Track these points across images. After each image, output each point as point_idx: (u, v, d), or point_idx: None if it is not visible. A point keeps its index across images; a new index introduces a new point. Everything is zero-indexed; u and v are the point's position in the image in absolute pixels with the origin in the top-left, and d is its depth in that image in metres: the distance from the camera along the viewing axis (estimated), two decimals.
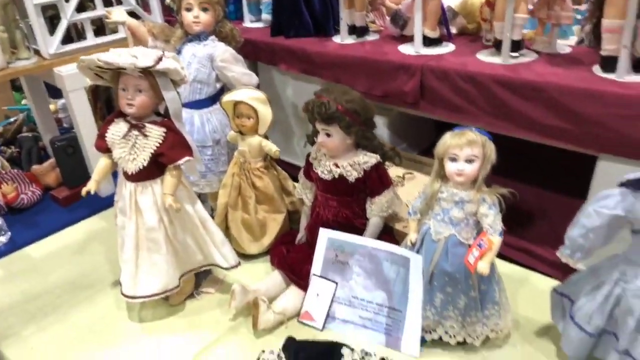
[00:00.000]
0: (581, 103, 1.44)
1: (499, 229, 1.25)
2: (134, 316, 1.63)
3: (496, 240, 1.24)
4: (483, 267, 1.22)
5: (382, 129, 2.28)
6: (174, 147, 1.45)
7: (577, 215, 1.19)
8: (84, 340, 1.54)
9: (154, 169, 1.47)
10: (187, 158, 1.47)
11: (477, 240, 1.26)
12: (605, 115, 1.41)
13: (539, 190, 1.85)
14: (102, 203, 2.18)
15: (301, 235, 1.78)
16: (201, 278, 1.75)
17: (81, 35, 2.28)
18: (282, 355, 1.34)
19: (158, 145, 1.44)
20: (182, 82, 1.49)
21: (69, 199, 2.33)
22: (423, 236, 1.37)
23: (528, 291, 1.59)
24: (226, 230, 1.83)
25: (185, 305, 1.66)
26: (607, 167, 1.51)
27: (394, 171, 2.00)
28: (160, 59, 1.39)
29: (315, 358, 1.32)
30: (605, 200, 1.14)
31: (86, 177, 1.84)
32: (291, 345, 1.35)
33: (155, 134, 1.44)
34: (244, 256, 1.82)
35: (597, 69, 1.57)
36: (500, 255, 1.80)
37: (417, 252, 1.39)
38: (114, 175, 1.65)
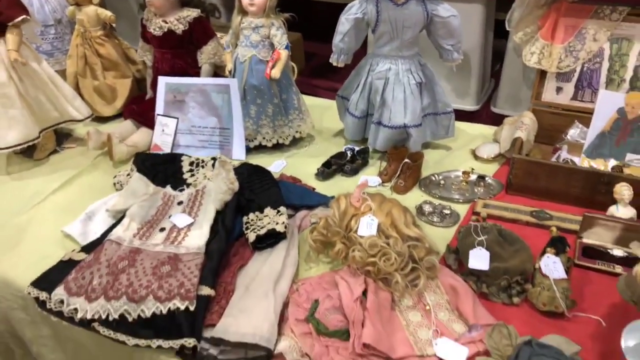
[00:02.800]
0: None
1: (285, 43, 1.66)
2: (0, 169, 1.84)
3: (283, 52, 1.65)
4: (274, 73, 1.63)
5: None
6: (10, 7, 1.65)
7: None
8: None
9: None
10: (24, 16, 1.67)
11: (272, 55, 1.67)
12: None
13: None
14: None
15: (149, 94, 2.08)
16: (63, 138, 2.00)
17: None
18: (133, 168, 1.67)
19: None
20: None
21: None
22: (234, 62, 1.74)
23: (330, 113, 2.05)
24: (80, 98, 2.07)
25: (50, 159, 1.91)
26: None
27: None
28: None
29: (159, 164, 1.67)
30: (350, 9, 1.59)
31: None
32: (139, 158, 1.68)
33: None
34: (100, 119, 2.10)
35: None
36: (314, 94, 2.29)
37: (233, 77, 1.77)
38: None
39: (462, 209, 1.51)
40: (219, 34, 2.01)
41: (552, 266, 1.20)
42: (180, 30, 1.87)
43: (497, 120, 1.96)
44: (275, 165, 1.77)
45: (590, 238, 1.33)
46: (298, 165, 1.77)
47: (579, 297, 1.20)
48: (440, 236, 1.40)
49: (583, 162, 1.57)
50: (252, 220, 1.40)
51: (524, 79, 1.85)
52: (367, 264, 1.20)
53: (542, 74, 1.69)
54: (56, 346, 1.42)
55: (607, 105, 1.56)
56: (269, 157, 1.83)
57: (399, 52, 1.60)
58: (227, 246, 1.35)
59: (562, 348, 1.02)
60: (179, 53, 1.93)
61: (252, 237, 1.35)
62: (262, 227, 1.36)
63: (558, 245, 1.24)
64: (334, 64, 1.70)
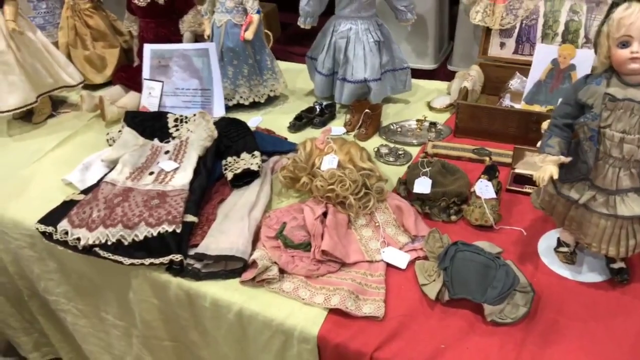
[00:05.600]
0: None
1: (256, 8, 1.84)
2: (2, 132, 2.02)
3: (255, 16, 1.84)
4: (247, 34, 1.82)
5: None
6: None
7: None
8: None
9: None
10: None
11: (245, 20, 1.85)
12: None
13: None
14: None
15: (136, 62, 2.25)
16: (59, 104, 2.18)
17: None
18: (124, 124, 1.86)
19: None
20: None
21: None
22: (212, 27, 1.93)
23: (303, 75, 2.22)
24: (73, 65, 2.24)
25: (47, 122, 2.10)
26: None
27: None
28: None
29: (147, 120, 1.85)
30: None
31: None
32: (129, 115, 1.87)
33: None
34: (91, 87, 2.27)
35: None
36: (290, 60, 2.48)
37: (211, 41, 1.95)
38: None
39: (415, 151, 1.72)
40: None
41: (484, 189, 1.41)
42: (163, 1, 2.05)
43: (453, 77, 2.15)
44: (252, 121, 1.96)
45: (522, 168, 1.54)
46: (273, 121, 1.96)
47: (508, 215, 1.42)
48: (394, 172, 1.61)
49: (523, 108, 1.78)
50: (229, 162, 1.60)
51: (474, 38, 2.04)
52: (327, 191, 1.40)
53: (488, 31, 1.89)
54: (61, 279, 1.62)
55: (542, 57, 1.76)
56: (247, 114, 2.02)
57: (358, 13, 1.79)
58: (209, 184, 1.56)
59: (486, 249, 1.24)
60: (162, 22, 2.11)
61: (229, 175, 1.55)
62: (238, 168, 1.56)
63: (490, 172, 1.45)
64: (302, 26, 1.89)
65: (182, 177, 1.56)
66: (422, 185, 1.43)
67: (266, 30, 2.17)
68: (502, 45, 1.89)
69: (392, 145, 1.73)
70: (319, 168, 1.47)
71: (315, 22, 1.89)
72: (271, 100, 2.07)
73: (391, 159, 1.67)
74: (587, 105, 1.03)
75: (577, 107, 1.06)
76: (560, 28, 1.80)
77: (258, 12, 1.84)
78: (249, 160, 1.58)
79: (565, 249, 1.25)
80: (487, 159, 1.48)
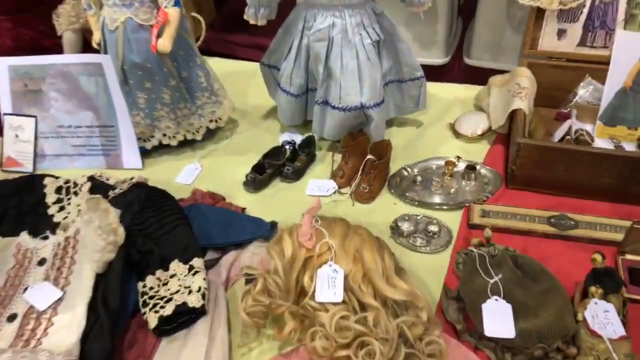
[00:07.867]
0: None
1: None
2: None
3: (172, 11, 1.10)
4: (162, 44, 1.09)
5: None
6: None
7: None
8: None
9: None
10: None
11: (156, 19, 1.11)
12: None
13: None
14: None
15: None
16: None
17: None
18: None
19: None
20: None
21: None
22: (102, 30, 1.17)
23: (257, 82, 1.51)
24: None
25: None
26: None
27: None
28: None
29: (10, 195, 1.12)
30: None
31: None
32: None
33: None
34: None
35: None
36: (232, 54, 1.76)
37: (105, 52, 1.20)
38: None
39: (451, 219, 1.09)
40: None
41: (603, 318, 0.82)
42: None
43: (473, 75, 1.51)
44: (186, 172, 1.26)
45: (634, 253, 0.96)
46: (218, 170, 1.27)
47: (636, 346, 0.84)
48: (429, 268, 0.99)
49: (599, 132, 1.18)
50: (150, 289, 0.91)
51: (508, 19, 1.40)
52: (338, 359, 0.77)
53: (538, 12, 1.24)
54: None
55: (627, 51, 1.17)
56: (176, 160, 1.31)
57: (344, 0, 1.09)
58: (115, 333, 0.87)
59: None
60: (24, 19, 1.33)
61: (153, 320, 0.87)
62: (167, 300, 0.88)
63: (606, 281, 0.85)
64: (251, 21, 1.17)
65: (67, 328, 0.87)
66: (499, 320, 0.82)
67: (194, 14, 1.44)
68: (561, 33, 1.25)
69: (416, 212, 1.09)
70: (312, 297, 0.83)
71: (273, 14, 1.18)
72: (213, 134, 1.36)
73: (420, 242, 1.03)
74: None
75: None
76: None
77: (177, 3, 1.10)
78: (184, 281, 0.91)
79: None
80: (598, 257, 0.87)
